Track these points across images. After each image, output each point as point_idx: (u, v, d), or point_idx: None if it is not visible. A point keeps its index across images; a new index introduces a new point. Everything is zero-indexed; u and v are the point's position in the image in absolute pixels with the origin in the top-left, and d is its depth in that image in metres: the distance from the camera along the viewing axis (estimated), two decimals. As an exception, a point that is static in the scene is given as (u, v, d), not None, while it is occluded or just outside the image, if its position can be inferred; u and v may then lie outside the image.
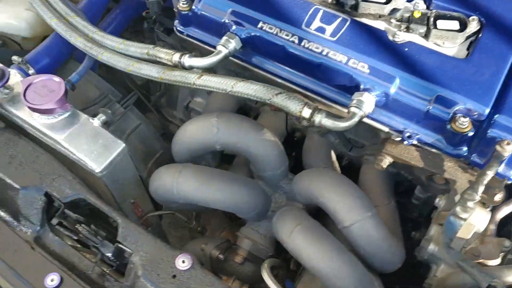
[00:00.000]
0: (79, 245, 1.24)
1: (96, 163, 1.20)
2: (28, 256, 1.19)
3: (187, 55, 1.21)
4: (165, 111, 1.83)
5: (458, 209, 0.99)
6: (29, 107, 1.22)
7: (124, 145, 1.24)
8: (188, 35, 1.35)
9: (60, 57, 1.45)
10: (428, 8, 1.15)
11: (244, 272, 1.29)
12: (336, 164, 1.36)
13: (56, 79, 1.25)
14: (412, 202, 1.35)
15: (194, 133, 1.25)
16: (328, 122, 1.06)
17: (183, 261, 1.07)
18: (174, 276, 1.06)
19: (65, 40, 1.40)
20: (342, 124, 1.06)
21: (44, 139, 1.28)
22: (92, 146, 1.22)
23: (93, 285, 1.15)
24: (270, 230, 1.30)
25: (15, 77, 1.32)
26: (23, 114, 1.27)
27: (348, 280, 1.06)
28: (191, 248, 1.33)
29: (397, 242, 1.17)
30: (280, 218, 1.18)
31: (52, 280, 1.14)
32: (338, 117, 1.08)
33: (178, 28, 1.37)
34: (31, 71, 1.37)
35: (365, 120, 1.13)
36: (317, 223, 1.15)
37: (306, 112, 1.07)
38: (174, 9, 1.38)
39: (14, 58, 1.36)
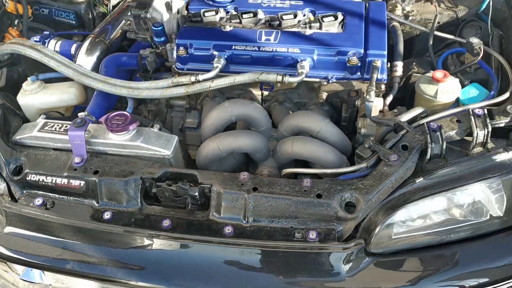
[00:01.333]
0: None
1: (167, 150, 1.94)
2: (138, 222, 1.84)
3: (199, 75, 2.06)
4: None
5: (367, 97, 1.96)
6: (112, 131, 1.93)
7: (177, 137, 2.01)
8: (187, 69, 2.20)
9: (106, 105, 2.18)
10: (314, 15, 2.20)
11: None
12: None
13: (121, 112, 2.00)
14: (342, 125, 2.31)
15: (217, 115, 2.06)
16: (291, 79, 1.99)
17: (244, 175, 1.85)
18: (242, 184, 1.82)
19: (105, 94, 2.16)
20: (299, 78, 2.00)
21: (122, 151, 1.97)
22: (160, 142, 1.96)
23: (189, 216, 1.84)
24: (274, 163, 2.13)
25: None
26: (104, 140, 1.97)
27: (334, 157, 1.94)
28: None
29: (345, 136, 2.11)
30: (281, 143, 2.03)
31: (166, 223, 1.82)
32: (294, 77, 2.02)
33: (178, 67, 2.21)
34: (92, 118, 2.08)
35: (306, 79, 2.08)
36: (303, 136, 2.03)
37: (279, 78, 1.99)
38: (169, 59, 2.24)
39: (81, 114, 2.06)
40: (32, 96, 2.18)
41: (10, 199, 1.96)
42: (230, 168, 2.16)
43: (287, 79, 1.99)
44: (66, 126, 2.02)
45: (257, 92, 2.34)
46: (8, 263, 1.90)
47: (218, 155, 2.02)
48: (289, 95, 2.33)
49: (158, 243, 1.77)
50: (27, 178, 1.95)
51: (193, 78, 2.06)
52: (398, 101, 2.16)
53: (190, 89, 2.04)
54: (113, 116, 1.98)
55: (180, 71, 2.22)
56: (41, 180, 1.93)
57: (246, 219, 1.76)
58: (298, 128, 2.06)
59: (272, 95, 2.34)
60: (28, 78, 2.22)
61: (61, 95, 2.18)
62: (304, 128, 2.04)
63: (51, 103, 2.20)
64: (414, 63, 2.32)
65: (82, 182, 1.90)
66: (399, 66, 2.17)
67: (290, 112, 2.29)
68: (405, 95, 2.27)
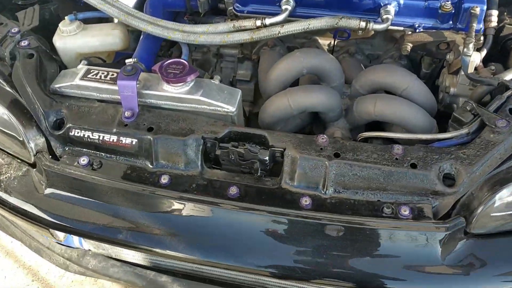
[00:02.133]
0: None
1: (231, 105, 1.68)
2: (200, 189, 1.62)
3: (266, 18, 1.76)
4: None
5: (465, 51, 1.68)
6: (169, 81, 1.66)
7: (240, 91, 1.74)
8: (247, 12, 1.90)
9: (154, 51, 1.90)
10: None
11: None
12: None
13: (177, 59, 1.72)
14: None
15: (286, 66, 1.78)
16: (376, 26, 1.69)
17: (323, 139, 1.60)
18: (321, 149, 1.58)
19: (153, 39, 1.88)
20: (384, 25, 1.70)
21: (179, 106, 1.72)
22: (222, 96, 1.70)
23: (258, 183, 1.61)
24: (345, 125, 1.88)
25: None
26: (158, 92, 1.71)
27: (424, 120, 1.68)
28: None
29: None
30: (360, 101, 1.77)
31: (232, 191, 1.60)
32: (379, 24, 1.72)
33: (236, 9, 1.91)
34: (142, 66, 1.80)
35: (390, 27, 1.78)
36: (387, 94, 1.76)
37: (363, 24, 1.69)
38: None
39: (129, 60, 1.78)
40: (71, 38, 1.89)
41: (50, 156, 1.72)
42: (294, 129, 1.91)
43: (372, 25, 1.69)
44: (113, 74, 1.75)
45: (323, 42, 2.05)
46: (50, 229, 1.70)
47: (288, 114, 1.76)
48: (361, 46, 2.04)
49: (225, 214, 1.55)
50: (70, 134, 1.71)
51: (258, 22, 1.76)
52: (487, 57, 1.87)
53: (256, 34, 1.75)
54: (169, 64, 1.70)
55: (239, 13, 1.92)
56: (86, 136, 1.69)
57: (325, 189, 1.54)
58: (379, 85, 1.79)
59: (342, 46, 2.05)
60: (66, 18, 1.92)
61: (104, 38, 1.89)
62: (386, 84, 1.77)
63: (93, 47, 1.91)
64: (505, 13, 2.01)
65: (134, 140, 1.66)
66: (494, 15, 1.86)
67: (362, 66, 2.00)
68: (494, 50, 1.98)
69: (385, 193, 1.51)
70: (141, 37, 1.91)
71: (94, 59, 1.92)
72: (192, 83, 1.70)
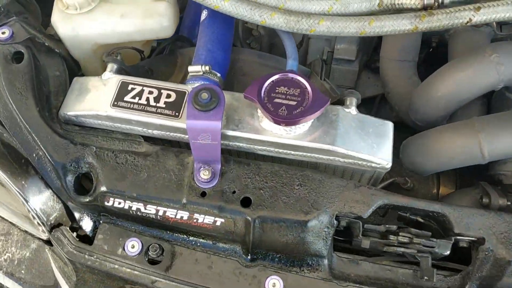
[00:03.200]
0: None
1: (383, 156, 0.97)
2: None
3: (445, -9, 0.96)
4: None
5: None
6: (281, 123, 0.92)
7: (392, 123, 1.01)
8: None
9: (229, 45, 1.10)
10: None
11: None
12: None
13: (289, 75, 0.95)
14: None
15: (469, 77, 1.02)
16: None
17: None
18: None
19: (226, 22, 1.08)
20: None
21: (289, 155, 1.00)
22: (368, 139, 0.97)
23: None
24: None
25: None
26: (254, 134, 0.97)
27: None
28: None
29: None
30: None
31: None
32: None
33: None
34: (217, 76, 1.03)
35: None
36: None
37: None
38: None
39: (194, 69, 1.00)
40: (83, 18, 1.05)
41: (75, 234, 1.04)
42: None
43: None
44: (169, 96, 1.00)
45: None
46: None
47: (475, 162, 1.05)
48: None
49: None
50: (106, 204, 1.01)
51: (431, -1, 0.96)
52: None
53: (424, 22, 0.96)
54: (274, 84, 0.94)
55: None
56: (134, 209, 1.00)
57: None
58: None
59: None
60: (72, -17, 1.07)
61: (143, 20, 1.06)
62: None
63: (123, 35, 1.08)
64: None
65: (220, 220, 0.97)
66: None
67: None
68: None
69: None
70: (203, 16, 1.09)
71: (125, 52, 1.12)
72: (316, 121, 0.96)
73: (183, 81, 1.14)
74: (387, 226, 0.98)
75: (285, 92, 0.94)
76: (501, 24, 1.33)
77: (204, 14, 1.10)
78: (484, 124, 1.01)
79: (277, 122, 0.92)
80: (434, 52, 1.43)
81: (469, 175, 1.35)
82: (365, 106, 1.67)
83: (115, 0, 1.08)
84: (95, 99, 1.02)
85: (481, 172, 1.26)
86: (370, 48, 1.52)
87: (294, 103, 0.93)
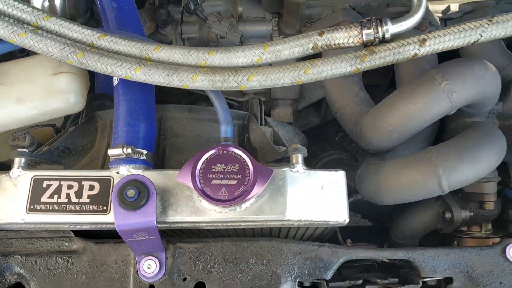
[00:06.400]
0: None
1: (341, 215, 0.89)
2: None
3: (389, 21, 0.84)
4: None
5: None
6: (221, 205, 0.82)
7: (343, 172, 0.93)
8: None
9: (151, 110, 0.95)
10: None
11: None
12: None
13: (226, 148, 0.84)
14: None
15: (420, 109, 0.94)
16: None
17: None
18: (514, 274, 0.90)
19: (147, 88, 0.94)
20: None
21: (236, 225, 0.91)
22: (320, 198, 0.89)
23: None
24: None
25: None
26: (196, 217, 0.87)
27: None
28: None
29: None
30: None
31: None
32: None
33: None
34: (144, 154, 0.90)
35: None
36: None
37: None
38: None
39: (115, 152, 0.87)
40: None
41: None
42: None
43: None
44: (93, 188, 0.87)
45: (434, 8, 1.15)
46: None
47: (434, 195, 0.99)
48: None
49: None
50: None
51: (369, 33, 0.85)
52: None
53: (367, 63, 0.85)
54: (209, 162, 0.83)
55: None
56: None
57: None
58: None
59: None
60: None
61: (44, 100, 0.88)
62: None
63: (24, 119, 0.91)
64: None
65: (176, 313, 0.89)
66: None
67: (504, 45, 1.17)
68: None
69: None
70: (116, 82, 0.93)
71: (35, 132, 0.96)
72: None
73: (107, 148, 1.00)
74: (351, 282, 0.93)
75: (222, 170, 0.83)
76: (445, 20, 1.25)
77: (116, 79, 0.95)
78: (441, 157, 0.95)
79: (217, 204, 0.82)
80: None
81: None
82: (314, 108, 1.60)
83: (7, 79, 0.90)
84: (7, 205, 0.88)
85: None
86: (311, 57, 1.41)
87: (234, 182, 0.82)
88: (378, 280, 0.92)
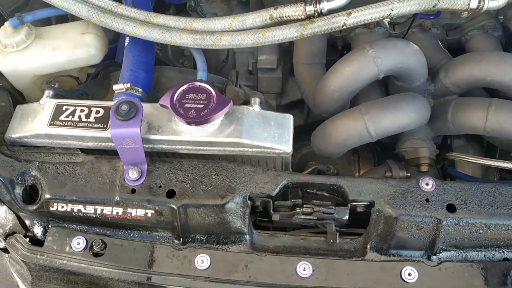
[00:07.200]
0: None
1: (284, 144, 1.14)
2: (256, 270, 1.13)
3: (321, 2, 1.15)
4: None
5: None
6: (190, 123, 1.09)
7: (292, 117, 1.19)
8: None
9: (150, 64, 1.27)
10: None
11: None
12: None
13: (199, 84, 1.13)
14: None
15: (354, 70, 1.21)
16: (492, 4, 1.12)
17: (427, 184, 1.11)
18: (426, 200, 1.10)
19: (146, 45, 1.26)
20: (503, 1, 1.13)
21: (207, 150, 1.17)
22: (269, 130, 1.15)
23: (336, 253, 1.15)
24: (429, 135, 1.37)
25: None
26: (173, 136, 1.14)
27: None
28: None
29: None
30: (461, 108, 1.24)
31: (304, 269, 1.12)
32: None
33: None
34: (139, 92, 1.20)
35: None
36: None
37: (474, 3, 1.11)
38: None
39: (118, 87, 1.18)
40: (20, 54, 1.23)
41: (28, 239, 1.19)
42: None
43: (487, 4, 1.12)
44: (98, 112, 1.17)
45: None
46: None
47: (365, 141, 1.24)
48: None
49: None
50: (51, 209, 1.16)
51: (310, 9, 1.15)
52: None
53: (308, 29, 1.15)
54: (184, 92, 1.12)
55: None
56: (75, 210, 1.15)
57: (432, 255, 1.10)
58: (483, 82, 1.25)
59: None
60: (6, 23, 1.24)
61: (73, 51, 1.24)
62: (497, 83, 1.23)
63: (56, 65, 1.25)
64: None
65: (150, 212, 1.13)
66: None
67: (440, 45, 1.45)
68: None
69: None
70: (127, 42, 1.27)
71: (63, 79, 1.29)
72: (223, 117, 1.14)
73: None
74: (293, 200, 1.15)
75: (193, 98, 1.11)
76: (393, 24, 1.55)
77: (127, 40, 1.28)
78: (368, 108, 1.20)
79: (188, 123, 1.09)
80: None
81: (384, 156, 1.55)
82: (298, 109, 1.86)
83: (47, 36, 1.25)
84: (34, 121, 1.18)
85: (392, 152, 1.46)
86: (291, 56, 1.72)
87: (201, 106, 1.10)
88: (315, 201, 1.13)
